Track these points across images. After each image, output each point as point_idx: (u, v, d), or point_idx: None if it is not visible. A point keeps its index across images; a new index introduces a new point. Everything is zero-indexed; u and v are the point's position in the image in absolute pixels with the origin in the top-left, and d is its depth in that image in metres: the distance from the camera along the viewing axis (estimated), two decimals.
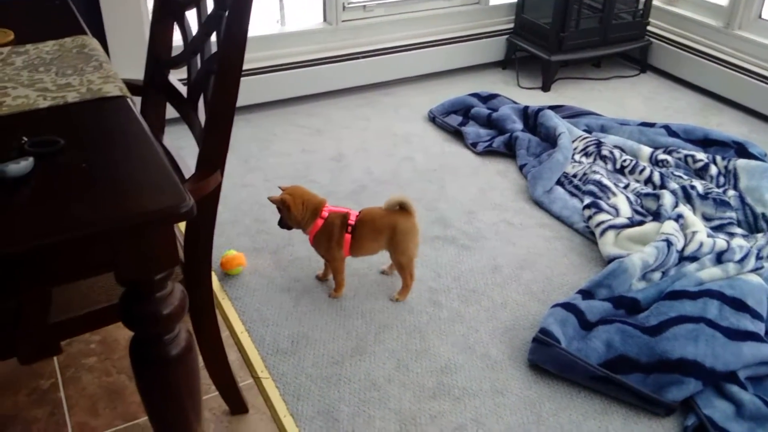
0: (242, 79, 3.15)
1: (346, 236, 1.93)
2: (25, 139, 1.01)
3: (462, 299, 2.05)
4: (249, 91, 3.03)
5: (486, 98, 3.20)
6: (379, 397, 1.71)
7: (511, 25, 3.62)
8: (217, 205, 1.35)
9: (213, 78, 1.24)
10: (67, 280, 1.02)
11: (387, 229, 1.93)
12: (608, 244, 2.19)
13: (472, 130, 2.96)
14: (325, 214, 1.94)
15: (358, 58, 3.25)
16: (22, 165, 0.94)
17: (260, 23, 3.25)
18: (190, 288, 1.40)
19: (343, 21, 3.22)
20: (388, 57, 3.33)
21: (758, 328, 1.82)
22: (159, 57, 1.57)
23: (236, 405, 1.65)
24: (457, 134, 2.98)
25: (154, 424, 1.13)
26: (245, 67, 2.96)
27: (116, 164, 1.00)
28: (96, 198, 0.92)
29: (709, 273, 2.00)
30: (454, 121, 3.06)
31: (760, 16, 3.27)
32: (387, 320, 1.96)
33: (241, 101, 3.06)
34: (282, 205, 1.93)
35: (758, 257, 2.10)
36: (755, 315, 1.85)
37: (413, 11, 3.41)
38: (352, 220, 1.94)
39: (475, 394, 1.73)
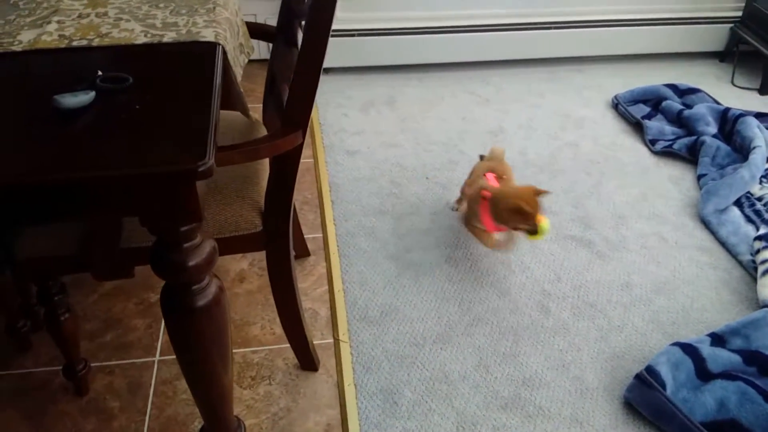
0: (419, 37, 3.13)
1: None
2: (100, 73, 1.05)
3: (575, 311, 1.86)
4: (426, 49, 2.97)
5: (683, 92, 2.82)
6: (447, 392, 1.62)
7: (739, 13, 3.13)
8: (298, 165, 1.33)
9: (303, 33, 1.19)
10: (92, 215, 1.06)
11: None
12: (766, 287, 1.84)
13: (655, 125, 2.64)
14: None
15: (549, 28, 3.02)
16: (80, 98, 0.98)
17: None
18: (268, 242, 1.42)
19: None
20: (584, 30, 3.05)
21: None
22: (290, 4, 1.57)
23: (306, 362, 1.66)
24: (637, 126, 2.68)
25: (183, 369, 1.17)
26: (425, 24, 2.94)
27: (166, 111, 1.01)
28: (128, 142, 0.94)
29: None
30: (639, 111, 2.75)
31: None
32: (484, 314, 1.84)
33: (415, 59, 3.05)
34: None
35: None
36: None
37: None
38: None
39: (550, 417, 1.57)
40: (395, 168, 2.41)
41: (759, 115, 2.59)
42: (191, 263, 1.02)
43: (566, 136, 2.62)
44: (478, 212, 1.87)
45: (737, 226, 2.12)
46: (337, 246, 2.06)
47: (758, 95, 2.96)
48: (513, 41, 3.02)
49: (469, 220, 1.98)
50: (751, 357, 1.63)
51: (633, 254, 2.06)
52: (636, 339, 1.78)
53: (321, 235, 2.10)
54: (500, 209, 1.80)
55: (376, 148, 2.51)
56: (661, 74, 3.05)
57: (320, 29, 1.17)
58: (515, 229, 1.83)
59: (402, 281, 1.93)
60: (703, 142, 2.46)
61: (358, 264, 1.99)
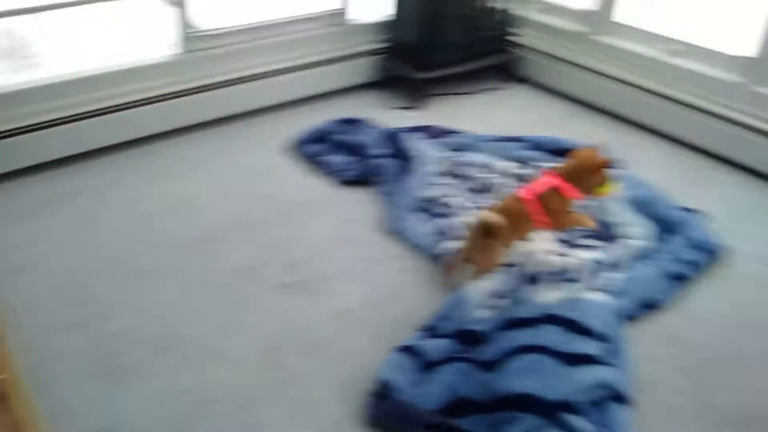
0: (76, 124, 2.84)
1: None
2: None
3: (302, 354, 1.91)
4: (89, 135, 2.81)
5: (348, 124, 3.09)
6: None
7: (383, 45, 3.52)
8: None
9: None
10: None
11: None
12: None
13: (333, 158, 2.85)
14: None
15: (211, 89, 3.07)
16: None
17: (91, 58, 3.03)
18: None
19: (190, 51, 3.01)
20: (247, 86, 3.17)
21: (596, 349, 1.76)
22: None
23: None
24: (318, 164, 2.86)
25: None
26: (80, 110, 2.71)
27: None
28: None
29: (553, 295, 1.94)
30: (314, 151, 2.94)
31: (613, 21, 3.28)
32: (212, 392, 1.79)
33: (83, 148, 2.81)
34: None
35: (609, 269, 2.06)
36: (596, 336, 1.79)
37: (274, 36, 3.25)
38: None
39: None
40: (80, 273, 2.22)
41: (419, 128, 2.95)
42: None
43: (258, 189, 2.69)
44: (526, 222, 2.06)
45: (422, 227, 2.38)
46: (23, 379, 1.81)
47: (415, 111, 3.34)
48: (178, 109, 2.99)
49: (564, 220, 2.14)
50: (460, 335, 1.84)
51: (341, 281, 2.19)
52: (364, 359, 1.87)
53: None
54: (582, 174, 2.07)
55: (51, 255, 2.29)
56: (329, 112, 3.27)
57: None
58: (596, 185, 2.09)
59: (116, 394, 1.79)
60: (379, 165, 2.72)
61: (58, 393, 1.78)
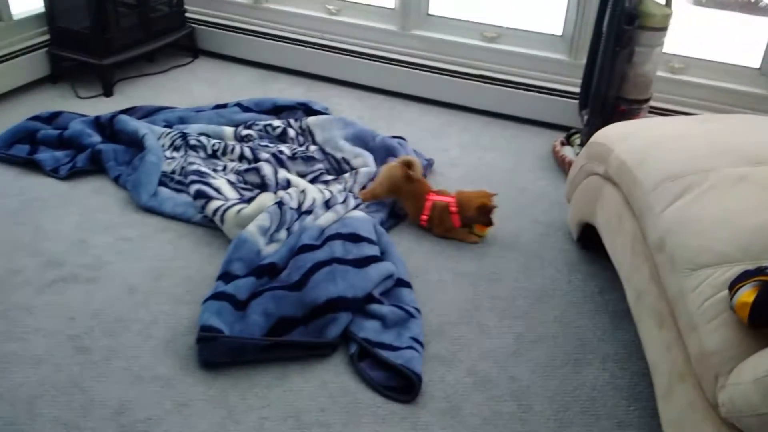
0: None
1: None
2: None
3: (109, 334, 1.91)
4: None
5: (49, 118, 2.93)
6: None
7: (47, 37, 3.33)
8: None
9: None
10: None
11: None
12: (232, 227, 2.26)
13: (46, 155, 2.69)
14: None
15: None
16: None
17: None
18: None
19: None
20: None
21: (375, 251, 2.13)
22: None
23: None
24: (31, 164, 2.67)
25: None
26: None
27: None
28: None
29: (325, 219, 2.26)
30: (21, 151, 2.73)
31: None
32: (34, 389, 1.72)
33: None
34: None
35: (355, 197, 2.44)
36: (370, 241, 2.16)
37: None
38: None
39: (161, 419, 1.67)
40: None
41: (125, 111, 2.95)
42: None
43: None
44: (451, 222, 2.36)
45: (174, 199, 2.47)
46: None
47: (106, 98, 3.27)
48: None
49: (449, 231, 2.39)
50: (258, 271, 2.04)
51: (116, 264, 2.18)
52: (172, 320, 1.96)
53: None
54: (467, 209, 2.33)
55: None
56: (14, 112, 3.04)
57: None
58: (478, 223, 2.37)
59: None
60: (99, 150, 2.66)
61: None
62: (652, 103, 2.72)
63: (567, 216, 2.44)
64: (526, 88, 3.15)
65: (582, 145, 2.76)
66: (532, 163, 2.90)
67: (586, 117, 2.75)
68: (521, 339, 1.98)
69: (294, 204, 2.34)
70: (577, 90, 2.87)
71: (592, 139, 2.19)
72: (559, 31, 3.12)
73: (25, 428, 1.62)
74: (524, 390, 1.81)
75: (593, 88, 2.65)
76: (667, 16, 2.51)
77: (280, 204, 2.28)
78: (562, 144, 2.93)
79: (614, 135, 2.11)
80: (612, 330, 2.02)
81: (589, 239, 2.30)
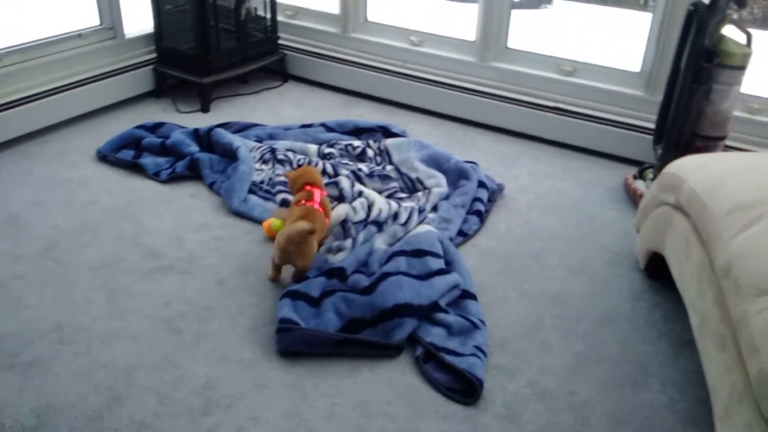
0: None
1: None
2: None
3: (200, 319, 2.10)
4: None
5: (153, 128, 3.21)
6: None
7: (154, 56, 3.66)
8: None
9: None
10: None
11: None
12: None
13: (149, 160, 2.96)
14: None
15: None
16: None
17: None
18: None
19: None
20: (34, 105, 3.11)
21: (440, 264, 2.26)
22: None
23: None
24: (135, 168, 2.94)
25: None
26: None
27: None
28: None
29: (390, 231, 2.43)
30: (127, 155, 3.01)
31: (366, 20, 3.86)
32: (132, 361, 1.92)
33: None
34: None
35: (421, 211, 2.57)
36: (434, 255, 2.28)
37: (48, 55, 3.23)
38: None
39: (242, 397, 1.83)
40: None
41: (221, 125, 3.19)
42: None
43: (80, 198, 2.71)
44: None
45: (263, 206, 2.68)
46: None
47: (202, 114, 3.55)
48: None
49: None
50: (328, 273, 2.22)
51: (208, 259, 2.39)
52: (255, 312, 2.14)
53: None
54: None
55: None
56: (122, 121, 3.34)
57: None
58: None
59: (33, 382, 1.82)
60: (197, 159, 2.91)
61: None
62: (728, 142, 2.76)
63: (635, 245, 2.50)
64: (599, 121, 3.23)
65: (654, 179, 2.81)
66: (601, 194, 2.96)
67: (660, 152, 2.80)
68: (582, 358, 2.05)
69: (361, 215, 2.52)
70: (651, 125, 2.93)
71: (666, 169, 2.24)
72: (637, 68, 3.20)
73: (123, 394, 1.81)
74: (582, 404, 1.88)
75: (669, 124, 2.71)
76: (747, 56, 2.55)
77: (343, 223, 2.47)
78: (635, 178, 2.98)
79: (687, 166, 2.15)
80: (674, 357, 2.06)
81: (655, 269, 2.35)
